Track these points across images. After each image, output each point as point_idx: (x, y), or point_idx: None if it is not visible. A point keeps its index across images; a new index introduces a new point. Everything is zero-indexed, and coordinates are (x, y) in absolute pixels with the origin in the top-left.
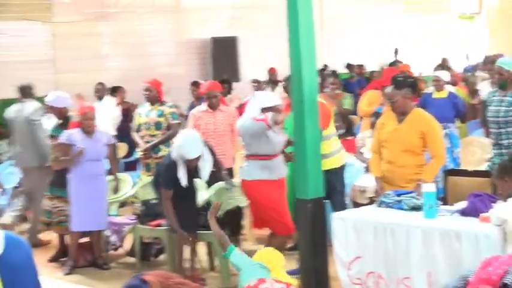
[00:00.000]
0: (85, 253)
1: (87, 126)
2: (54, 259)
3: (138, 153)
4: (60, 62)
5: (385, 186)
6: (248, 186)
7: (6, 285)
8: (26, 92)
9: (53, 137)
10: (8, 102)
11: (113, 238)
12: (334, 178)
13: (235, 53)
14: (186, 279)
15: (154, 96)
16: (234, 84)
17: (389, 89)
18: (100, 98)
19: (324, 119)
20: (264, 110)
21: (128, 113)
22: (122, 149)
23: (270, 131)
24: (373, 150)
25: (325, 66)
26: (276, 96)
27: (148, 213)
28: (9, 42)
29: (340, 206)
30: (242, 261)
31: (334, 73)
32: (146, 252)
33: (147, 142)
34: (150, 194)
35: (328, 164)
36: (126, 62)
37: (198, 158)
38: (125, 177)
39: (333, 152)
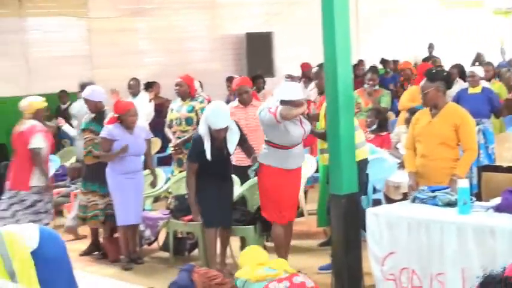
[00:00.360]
0: (118, 247)
1: (130, 122)
2: (86, 253)
3: (170, 149)
4: (96, 58)
5: (420, 181)
6: (260, 169)
7: (41, 277)
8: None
9: (85, 130)
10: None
11: (147, 233)
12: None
13: (269, 48)
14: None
15: (185, 92)
16: (268, 80)
17: (422, 82)
18: (134, 93)
19: None
20: (282, 102)
21: (161, 108)
22: (156, 144)
23: (286, 123)
24: (407, 146)
25: (360, 61)
26: (297, 91)
27: (181, 208)
28: (45, 38)
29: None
30: None
31: (373, 68)
32: (180, 246)
33: (179, 138)
34: (182, 189)
35: None
36: (161, 58)
37: (225, 130)
38: (159, 172)
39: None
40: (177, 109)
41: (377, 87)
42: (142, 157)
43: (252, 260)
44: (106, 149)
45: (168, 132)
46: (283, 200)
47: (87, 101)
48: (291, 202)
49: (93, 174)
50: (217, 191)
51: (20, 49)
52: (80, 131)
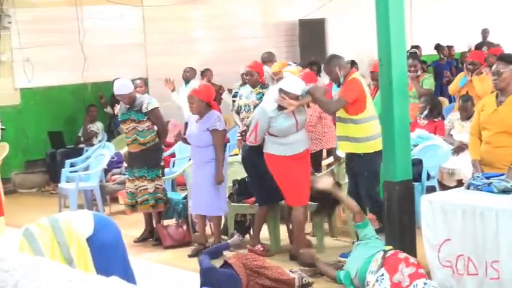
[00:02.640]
0: (171, 234)
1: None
2: (140, 240)
3: (237, 135)
4: (150, 46)
5: (484, 169)
6: (266, 159)
7: (97, 264)
8: None
9: (125, 121)
10: (100, 86)
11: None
12: (363, 163)
13: (323, 35)
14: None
15: (256, 80)
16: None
17: (495, 65)
18: (188, 80)
19: (360, 99)
20: (280, 90)
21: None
22: None
23: (274, 119)
24: (472, 131)
25: (415, 47)
26: (296, 85)
27: (242, 191)
28: (101, 27)
29: (367, 194)
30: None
31: (412, 55)
32: (240, 230)
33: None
34: (240, 174)
35: (362, 148)
36: (215, 46)
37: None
38: None
39: (370, 136)
40: (247, 96)
41: (419, 72)
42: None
43: None
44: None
45: (236, 118)
46: (295, 184)
47: (120, 97)
48: (302, 184)
49: (139, 160)
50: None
51: (76, 38)
52: (119, 123)
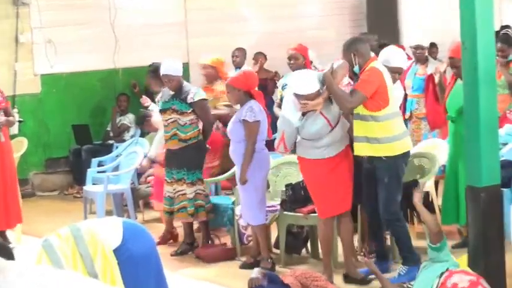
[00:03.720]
0: (215, 247)
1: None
2: (178, 252)
3: None
4: (191, 25)
5: None
6: (299, 163)
7: (125, 279)
8: None
9: (166, 111)
10: (133, 72)
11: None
12: (384, 168)
13: (394, 13)
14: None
15: (300, 65)
16: None
17: None
18: (238, 65)
19: (380, 91)
20: (298, 97)
21: (266, 83)
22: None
23: (303, 123)
24: None
25: (505, 27)
26: (309, 84)
27: (296, 198)
28: (134, 3)
29: (385, 205)
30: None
31: (502, 37)
32: (294, 243)
33: None
34: (294, 177)
35: (384, 150)
36: (265, 25)
37: None
38: None
39: (394, 136)
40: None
41: (510, 57)
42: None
43: None
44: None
45: (278, 112)
46: (325, 192)
47: (166, 78)
48: (336, 192)
49: (178, 159)
50: None
51: (106, 16)
52: (159, 112)
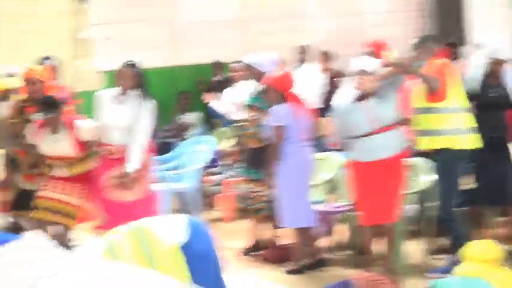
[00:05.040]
0: (282, 247)
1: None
2: (248, 251)
3: None
4: (253, 22)
5: None
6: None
7: (192, 272)
8: None
9: (251, 107)
10: (194, 69)
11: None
12: (443, 161)
13: (464, 9)
14: None
15: None
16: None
17: None
18: (300, 63)
19: (448, 84)
20: (355, 73)
21: (334, 82)
22: (327, 124)
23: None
24: None
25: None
26: (368, 62)
27: None
28: (194, 2)
29: (443, 202)
30: None
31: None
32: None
33: None
34: None
35: (441, 143)
36: (329, 22)
37: None
38: (331, 157)
39: (454, 130)
40: None
41: None
42: None
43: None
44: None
45: None
46: (361, 197)
47: (251, 69)
48: (371, 200)
49: (258, 159)
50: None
51: (166, 12)
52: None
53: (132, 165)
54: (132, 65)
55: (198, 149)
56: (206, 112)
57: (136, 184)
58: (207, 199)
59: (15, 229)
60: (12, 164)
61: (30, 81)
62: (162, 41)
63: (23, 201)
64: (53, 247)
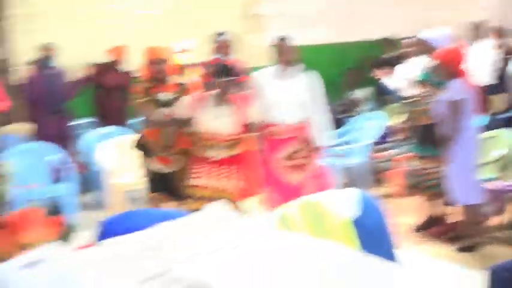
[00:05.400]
0: (453, 224)
1: None
2: (419, 228)
3: None
4: None
5: None
6: None
7: (364, 247)
8: None
9: (424, 83)
10: (366, 45)
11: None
12: None
13: None
14: None
15: None
16: None
17: None
18: (473, 40)
19: None
20: None
21: (507, 58)
22: (499, 101)
23: None
24: None
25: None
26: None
27: None
28: None
29: None
30: None
31: None
32: None
33: None
34: None
35: None
36: None
37: None
38: (502, 134)
39: None
40: None
41: None
42: None
43: None
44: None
45: None
46: None
47: (424, 45)
48: None
49: (429, 136)
50: None
51: None
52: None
53: (320, 140)
54: (289, 40)
55: (369, 125)
56: (377, 88)
57: (308, 163)
58: (377, 175)
59: None
60: (143, 148)
61: (154, 61)
62: (334, 17)
63: (159, 185)
64: (235, 218)
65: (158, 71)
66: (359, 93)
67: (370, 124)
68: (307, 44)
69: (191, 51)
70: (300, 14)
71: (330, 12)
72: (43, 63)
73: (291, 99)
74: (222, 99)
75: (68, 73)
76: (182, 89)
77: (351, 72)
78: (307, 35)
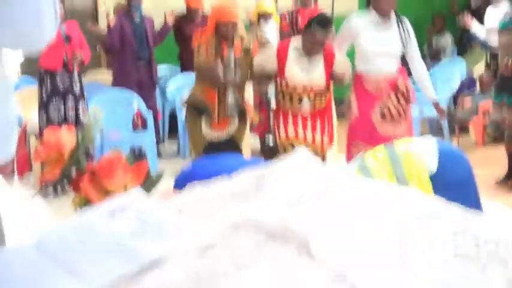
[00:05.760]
0: None
1: None
2: (502, 179)
3: None
4: None
5: None
6: None
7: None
8: None
9: (503, 30)
10: None
11: None
12: None
13: None
14: None
15: None
16: None
17: None
18: None
19: None
20: None
21: None
22: None
23: None
24: None
25: None
26: None
27: None
28: None
29: None
30: None
31: None
32: None
33: None
34: None
35: None
36: None
37: None
38: None
39: None
40: None
41: None
42: None
43: None
44: None
45: None
46: None
47: None
48: None
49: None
50: None
51: None
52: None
53: (431, 94)
54: None
55: (452, 73)
56: (461, 35)
57: (403, 115)
58: (461, 125)
59: None
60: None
61: (223, 23)
62: None
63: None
64: (319, 165)
65: (226, 34)
66: (444, 40)
67: (453, 71)
68: None
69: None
70: None
71: None
72: (130, 10)
73: (388, 49)
74: (313, 50)
75: (152, 21)
76: (246, 51)
77: (437, 18)
78: None
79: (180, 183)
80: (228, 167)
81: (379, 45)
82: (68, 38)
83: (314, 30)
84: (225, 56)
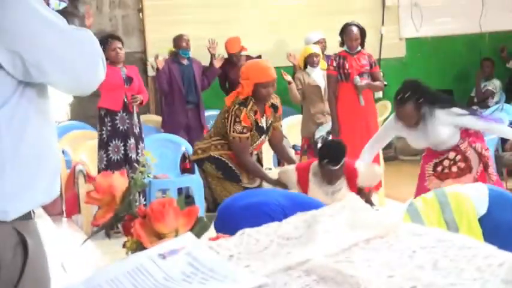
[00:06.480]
0: None
1: None
2: None
3: None
4: None
5: None
6: None
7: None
8: None
9: None
10: (500, 36)
11: None
12: None
13: None
14: None
15: None
16: None
17: None
18: None
19: None
20: None
21: None
22: None
23: None
24: None
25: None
26: None
27: None
28: None
29: None
30: None
31: None
32: None
33: None
34: None
35: None
36: None
37: None
38: None
39: None
40: None
41: None
42: None
43: None
44: None
45: None
46: None
47: None
48: None
49: None
50: None
51: None
52: None
53: None
54: None
55: (499, 117)
56: (509, 80)
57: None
58: (509, 168)
59: None
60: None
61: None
62: (469, 8)
63: None
64: (369, 211)
65: (267, 95)
66: (491, 85)
67: (502, 116)
68: (442, 34)
69: (323, 42)
70: (435, 5)
71: (464, 2)
72: (178, 54)
73: (434, 141)
74: (331, 180)
75: (200, 64)
76: (274, 108)
77: (486, 62)
78: (441, 25)
79: (222, 212)
80: (266, 196)
81: (424, 142)
82: (128, 80)
83: (327, 166)
84: (260, 120)
